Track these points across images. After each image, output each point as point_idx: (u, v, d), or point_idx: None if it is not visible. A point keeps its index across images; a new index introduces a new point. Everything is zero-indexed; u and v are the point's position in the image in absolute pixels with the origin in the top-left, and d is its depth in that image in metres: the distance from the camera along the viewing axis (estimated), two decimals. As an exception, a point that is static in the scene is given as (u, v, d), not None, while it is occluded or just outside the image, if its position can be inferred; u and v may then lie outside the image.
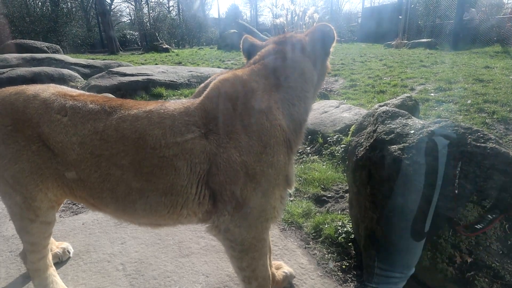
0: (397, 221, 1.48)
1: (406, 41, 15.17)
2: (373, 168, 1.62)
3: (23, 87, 1.59)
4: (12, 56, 9.82)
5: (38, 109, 1.47)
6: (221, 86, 1.42)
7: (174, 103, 1.47)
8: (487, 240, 1.36)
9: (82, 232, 2.58)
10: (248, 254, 1.45)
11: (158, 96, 7.54)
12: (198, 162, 1.34)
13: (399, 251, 1.52)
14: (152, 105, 1.47)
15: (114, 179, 1.40)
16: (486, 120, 4.29)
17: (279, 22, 7.22)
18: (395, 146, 1.52)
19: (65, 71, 8.72)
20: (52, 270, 1.89)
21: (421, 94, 5.72)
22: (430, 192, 1.38)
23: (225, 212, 1.38)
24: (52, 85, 1.68)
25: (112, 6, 37.39)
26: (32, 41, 13.83)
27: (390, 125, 1.65)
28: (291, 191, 1.59)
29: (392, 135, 1.59)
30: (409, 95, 3.48)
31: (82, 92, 1.70)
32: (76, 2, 31.65)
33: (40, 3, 26.11)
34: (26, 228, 1.64)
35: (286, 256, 2.25)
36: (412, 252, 1.49)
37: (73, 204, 3.03)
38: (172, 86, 8.09)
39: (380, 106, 2.38)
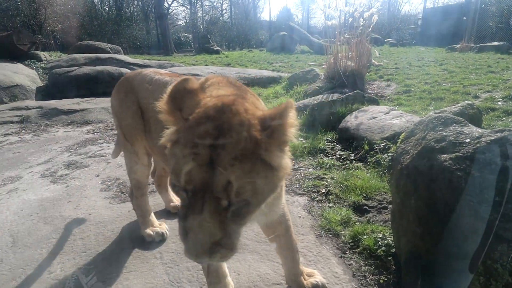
0: (445, 238, 1.34)
1: (472, 45, 13.88)
2: (420, 178, 1.49)
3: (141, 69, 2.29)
4: (81, 56, 10.90)
5: (139, 81, 2.10)
6: None
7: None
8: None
9: (127, 219, 2.76)
10: None
11: (206, 96, 7.82)
12: None
13: (445, 272, 1.38)
14: None
15: None
16: None
17: (331, 24, 7.03)
18: (446, 155, 1.38)
19: (124, 70, 9.45)
20: (150, 209, 2.52)
21: (486, 102, 5.18)
22: (486, 209, 1.23)
23: None
24: (153, 68, 2.23)
25: (169, 10, 39.70)
26: (98, 42, 15.21)
27: (442, 132, 1.50)
28: None
29: (444, 143, 1.44)
30: (470, 102, 3.17)
31: (168, 71, 2.27)
32: (138, 6, 34.13)
33: (106, 8, 28.67)
34: (133, 168, 2.27)
35: (320, 263, 2.17)
36: (461, 275, 1.34)
37: (122, 193, 3.26)
38: (220, 86, 8.33)
39: (436, 113, 2.20)
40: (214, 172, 0.91)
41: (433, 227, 1.40)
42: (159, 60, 13.78)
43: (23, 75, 9.33)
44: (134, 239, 2.47)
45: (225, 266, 1.90)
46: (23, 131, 5.97)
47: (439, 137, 1.48)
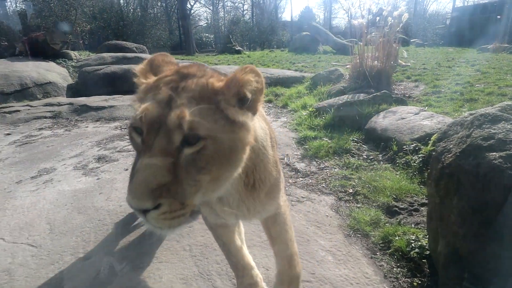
0: (492, 240, 1.28)
1: (506, 45, 13.22)
2: (464, 177, 1.43)
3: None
4: (108, 55, 11.26)
5: None
6: None
7: None
8: None
9: (156, 212, 2.82)
10: None
11: (229, 94, 7.87)
12: None
13: (491, 276, 1.31)
14: None
15: None
16: None
17: (357, 24, 6.89)
18: (495, 153, 1.32)
19: (150, 68, 9.65)
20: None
21: (522, 104, 4.92)
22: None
23: None
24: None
25: (192, 11, 40.32)
26: (124, 42, 15.64)
27: (489, 129, 1.44)
28: None
29: (492, 141, 1.38)
30: (511, 103, 3.01)
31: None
32: (161, 7, 34.87)
33: (132, 9, 29.48)
34: None
35: (350, 263, 2.14)
36: (509, 279, 1.28)
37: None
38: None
39: (471, 114, 2.11)
40: (170, 109, 0.92)
41: (478, 228, 1.34)
42: (182, 59, 14.02)
43: (55, 73, 9.75)
44: (164, 231, 2.52)
45: (250, 259, 1.90)
46: (55, 126, 6.23)
47: (487, 135, 1.42)
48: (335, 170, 3.55)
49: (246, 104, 1.01)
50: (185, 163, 0.90)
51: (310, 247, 2.29)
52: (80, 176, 3.66)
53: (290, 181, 3.35)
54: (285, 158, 3.94)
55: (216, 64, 12.90)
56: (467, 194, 1.40)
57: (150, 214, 0.87)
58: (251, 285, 1.82)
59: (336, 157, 3.87)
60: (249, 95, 1.00)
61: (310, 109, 5.62)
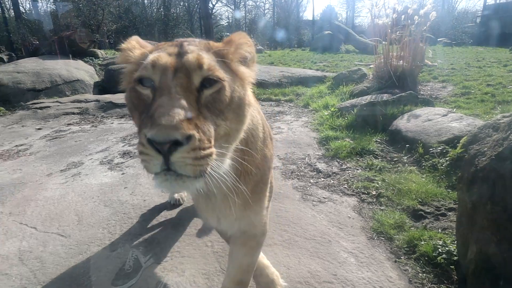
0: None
1: (540, 45, 12.51)
2: (500, 181, 1.37)
3: None
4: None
5: None
6: None
7: None
8: None
9: (179, 207, 2.88)
10: None
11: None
12: None
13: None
14: None
15: None
16: None
17: (382, 23, 6.73)
18: (534, 157, 1.25)
19: (173, 67, 9.84)
20: None
21: (560, 107, 4.65)
22: None
23: None
24: None
25: (213, 10, 40.63)
26: (148, 41, 15.95)
27: (529, 132, 1.37)
28: None
29: (531, 144, 1.31)
30: (547, 105, 2.86)
31: None
32: (183, 7, 35.36)
33: (155, 9, 30.10)
34: None
35: (373, 266, 2.09)
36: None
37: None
38: (264, 84, 8.37)
39: (505, 116, 2.01)
40: (183, 57, 0.92)
41: (514, 235, 1.28)
42: (204, 58, 14.14)
43: (83, 70, 10.11)
44: (187, 226, 2.57)
45: (265, 258, 1.91)
46: (83, 122, 6.47)
47: (526, 138, 1.35)
48: (358, 171, 3.48)
49: (245, 63, 1.07)
50: (205, 103, 0.89)
51: (332, 248, 2.26)
52: (106, 171, 3.79)
53: (311, 181, 3.32)
54: (306, 158, 3.90)
55: (237, 63, 12.95)
56: (503, 199, 1.34)
57: (178, 151, 0.77)
58: (268, 283, 1.81)
59: (358, 158, 3.80)
60: (247, 54, 1.07)
61: (332, 109, 5.55)
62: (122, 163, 4.02)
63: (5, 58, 19.23)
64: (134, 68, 1.02)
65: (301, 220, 2.60)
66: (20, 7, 24.29)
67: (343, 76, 7.85)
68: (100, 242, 2.41)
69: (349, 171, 3.50)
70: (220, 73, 0.93)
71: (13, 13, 25.18)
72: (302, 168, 3.64)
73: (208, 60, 0.92)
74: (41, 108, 7.33)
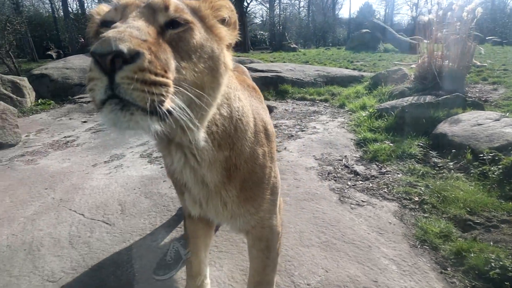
0: None
1: None
2: None
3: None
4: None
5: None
6: None
7: None
8: None
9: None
10: None
11: (285, 93, 7.84)
12: None
13: None
14: None
15: None
16: None
17: (426, 20, 6.39)
18: None
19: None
20: None
21: None
22: None
23: None
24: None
25: (248, 8, 40.84)
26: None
27: None
28: None
29: None
30: None
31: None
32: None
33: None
34: None
35: (416, 275, 2.00)
36: None
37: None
38: (298, 84, 8.28)
39: None
40: (148, 1, 0.86)
41: None
42: (238, 56, 14.31)
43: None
44: (223, 222, 2.60)
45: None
46: (124, 116, 6.78)
47: None
48: (398, 175, 3.34)
49: (222, 19, 1.00)
50: (169, 40, 0.81)
51: (372, 254, 2.18)
52: (146, 164, 3.94)
53: (349, 183, 3.23)
54: (343, 159, 3.81)
55: (271, 61, 12.94)
56: None
57: (123, 69, 0.66)
58: None
59: (398, 162, 3.64)
60: (226, 17, 1.01)
61: (371, 110, 5.36)
62: (160, 157, 4.16)
63: (54, 55, 20.70)
64: (94, 24, 0.97)
65: (339, 223, 2.54)
66: (68, 8, 25.98)
67: (382, 76, 7.56)
68: (141, 232, 2.52)
69: (389, 175, 3.36)
70: (189, 16, 0.87)
71: (62, 13, 26.99)
72: (339, 169, 3.56)
73: (176, 3, 0.87)
74: (86, 102, 7.79)
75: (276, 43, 26.13)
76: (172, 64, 0.78)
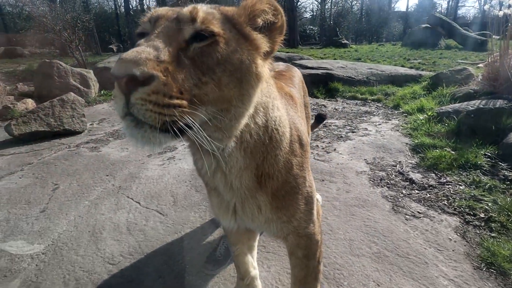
0: None
1: None
2: None
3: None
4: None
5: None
6: None
7: None
8: None
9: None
10: None
11: (335, 91, 7.61)
12: None
13: None
14: None
15: None
16: None
17: (502, 14, 5.73)
18: None
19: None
20: None
21: None
22: None
23: None
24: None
25: (298, 3, 40.11)
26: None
27: None
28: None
29: None
30: None
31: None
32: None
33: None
34: None
35: (481, 302, 1.82)
36: None
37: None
38: (349, 82, 7.98)
39: None
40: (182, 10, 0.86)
41: None
42: (287, 52, 14.16)
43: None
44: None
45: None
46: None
47: None
48: (460, 187, 3.07)
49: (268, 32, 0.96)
50: (192, 56, 0.81)
51: (429, 272, 2.04)
52: (196, 157, 4.08)
53: (403, 191, 3.04)
54: (398, 165, 3.59)
55: (321, 58, 12.62)
56: None
57: (137, 91, 0.70)
58: None
59: (461, 172, 3.34)
60: (270, 19, 0.96)
61: (429, 113, 4.99)
62: (210, 151, 4.28)
63: (114, 48, 22.33)
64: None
65: (392, 234, 2.41)
66: (129, 5, 27.80)
67: (443, 76, 6.98)
68: (192, 224, 2.62)
69: (450, 186, 3.10)
70: (216, 27, 0.84)
71: (123, 10, 28.98)
72: (393, 176, 3.36)
73: (204, 14, 0.85)
74: (143, 94, 8.30)
75: (326, 39, 25.40)
76: (190, 83, 0.79)
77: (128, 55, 0.70)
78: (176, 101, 0.74)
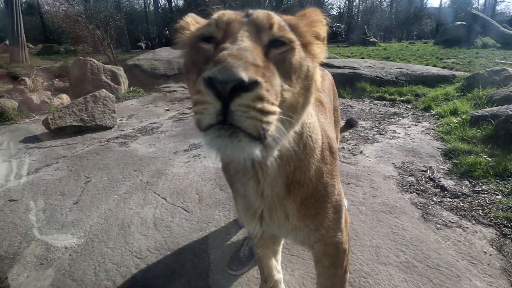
0: None
1: None
2: None
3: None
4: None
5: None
6: None
7: None
8: None
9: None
10: None
11: (362, 91, 7.42)
12: None
13: None
14: None
15: None
16: None
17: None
18: None
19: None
20: None
21: None
22: None
23: None
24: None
25: (325, 0, 39.34)
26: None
27: None
28: None
29: None
30: None
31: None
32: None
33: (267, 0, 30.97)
34: None
35: (519, 321, 1.71)
36: None
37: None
38: (377, 82, 7.76)
39: None
40: (250, 16, 0.86)
41: None
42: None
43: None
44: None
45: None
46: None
47: None
48: (497, 196, 2.90)
49: (319, 37, 0.96)
50: (273, 60, 0.80)
51: (462, 286, 1.94)
52: (220, 156, 4.12)
53: (434, 199, 2.92)
54: (428, 170, 3.45)
55: (348, 56, 12.34)
56: None
57: (241, 97, 0.64)
58: None
59: (498, 181, 3.16)
60: (321, 33, 0.96)
61: (464, 117, 4.74)
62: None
63: (143, 45, 22.94)
64: (191, 36, 0.97)
65: (421, 243, 2.32)
66: (158, 3, 28.46)
67: (480, 77, 6.61)
68: (216, 223, 2.65)
69: (485, 195, 2.94)
70: (291, 34, 0.85)
71: (152, 8, 29.71)
72: (423, 182, 3.23)
73: (278, 21, 0.86)
74: (169, 91, 8.49)
75: (353, 37, 24.77)
76: (279, 88, 0.77)
77: (229, 58, 0.66)
78: (273, 107, 0.70)
